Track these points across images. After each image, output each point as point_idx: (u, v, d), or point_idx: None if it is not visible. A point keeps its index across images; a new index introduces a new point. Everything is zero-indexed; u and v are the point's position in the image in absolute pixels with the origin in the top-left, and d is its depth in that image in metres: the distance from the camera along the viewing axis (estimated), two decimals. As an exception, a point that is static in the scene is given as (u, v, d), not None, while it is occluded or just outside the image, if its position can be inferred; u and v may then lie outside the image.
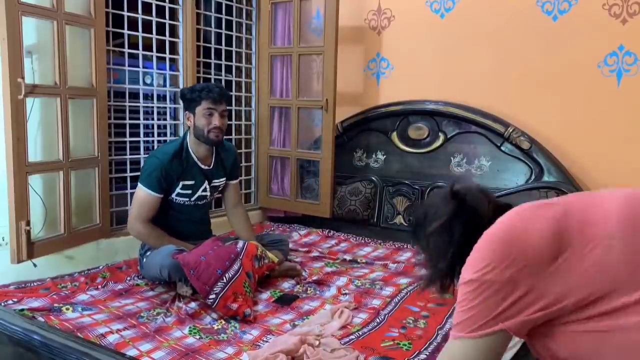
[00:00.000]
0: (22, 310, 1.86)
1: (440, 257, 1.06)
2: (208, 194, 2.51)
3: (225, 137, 3.36)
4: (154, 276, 2.28)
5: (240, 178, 2.75)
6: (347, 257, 2.83)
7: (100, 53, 2.58)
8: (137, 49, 2.87)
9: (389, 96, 3.42)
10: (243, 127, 3.63)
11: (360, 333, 1.86)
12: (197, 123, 2.38)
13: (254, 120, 3.63)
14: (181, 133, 2.98)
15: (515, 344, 1.56)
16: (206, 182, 2.48)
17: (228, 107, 3.43)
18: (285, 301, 2.18)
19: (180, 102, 2.62)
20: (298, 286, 2.36)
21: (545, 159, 2.89)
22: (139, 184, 2.38)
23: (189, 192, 2.44)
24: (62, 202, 2.44)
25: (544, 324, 0.90)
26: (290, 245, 2.81)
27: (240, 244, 2.31)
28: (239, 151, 3.51)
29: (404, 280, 2.45)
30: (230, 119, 3.51)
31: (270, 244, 2.53)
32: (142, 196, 2.36)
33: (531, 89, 2.97)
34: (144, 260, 2.34)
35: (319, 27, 3.38)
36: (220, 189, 2.60)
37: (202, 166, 2.46)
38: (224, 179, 2.58)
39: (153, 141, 3.07)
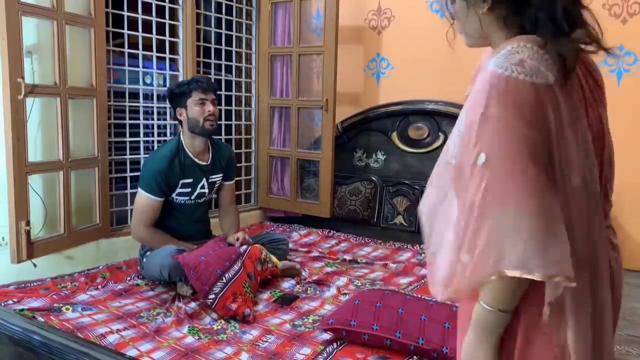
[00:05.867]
0: (22, 310, 1.86)
1: None
2: (206, 190, 2.51)
3: (225, 137, 3.40)
4: (154, 276, 2.28)
5: (235, 180, 2.76)
6: (347, 257, 2.83)
7: (100, 53, 2.58)
8: (137, 49, 2.87)
9: (389, 96, 3.42)
10: (243, 127, 3.63)
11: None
12: (190, 115, 2.40)
13: (254, 120, 3.63)
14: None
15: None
16: (204, 178, 2.48)
17: (228, 107, 3.47)
18: (285, 301, 2.18)
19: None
20: (298, 286, 2.36)
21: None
22: (139, 189, 2.38)
23: (189, 190, 2.45)
24: (62, 202, 2.44)
25: None
26: (290, 245, 2.81)
27: (244, 245, 2.32)
28: (239, 151, 3.52)
29: (404, 280, 2.45)
30: (230, 119, 3.52)
31: (269, 244, 2.54)
32: (143, 201, 2.36)
33: (531, 89, 2.97)
34: (144, 260, 2.35)
35: (319, 27, 3.38)
36: (217, 185, 2.60)
37: (200, 162, 2.47)
38: (221, 175, 2.59)
39: (153, 141, 3.07)
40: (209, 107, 2.40)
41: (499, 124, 0.90)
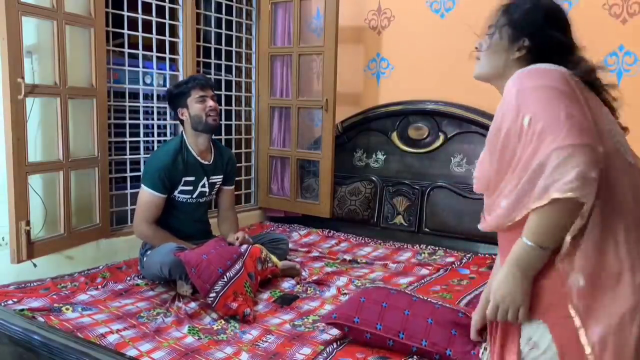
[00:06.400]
0: (22, 310, 1.86)
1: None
2: (207, 190, 2.52)
3: (225, 137, 3.41)
4: (154, 274, 2.28)
5: (234, 185, 2.76)
6: (347, 257, 2.83)
7: (100, 53, 2.58)
8: (137, 49, 2.87)
9: (389, 96, 3.42)
10: (243, 127, 3.63)
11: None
12: (192, 113, 2.41)
13: (254, 120, 3.63)
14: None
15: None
16: (205, 177, 2.49)
17: (228, 107, 3.47)
18: (285, 301, 2.18)
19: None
20: (298, 286, 2.36)
21: (545, 158, 2.89)
22: (142, 186, 2.38)
23: (191, 188, 2.45)
24: (62, 202, 2.44)
25: None
26: (290, 245, 2.81)
27: (244, 245, 2.33)
28: (239, 151, 3.53)
29: (403, 280, 2.45)
30: (230, 119, 3.52)
31: (269, 243, 2.54)
32: (146, 197, 2.37)
33: (531, 89, 2.97)
34: (145, 259, 2.35)
35: (319, 27, 3.38)
36: (217, 187, 2.60)
37: (202, 161, 2.48)
38: (221, 176, 2.59)
39: (153, 141, 3.08)
40: (210, 103, 2.42)
41: (535, 90, 1.10)
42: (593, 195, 1.00)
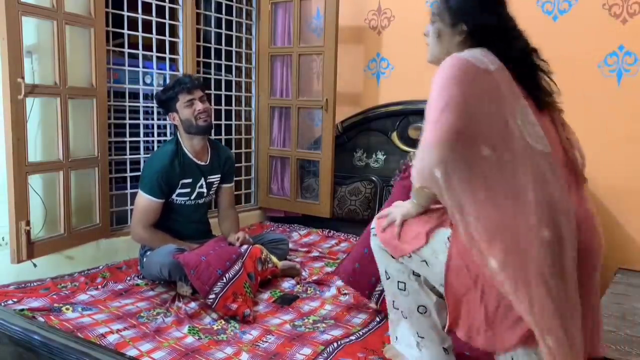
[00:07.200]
0: (22, 310, 1.86)
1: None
2: (205, 190, 2.52)
3: (225, 137, 3.40)
4: (154, 275, 2.28)
5: (234, 183, 2.76)
6: (347, 257, 2.82)
7: (100, 53, 2.58)
8: (137, 49, 2.87)
9: (389, 96, 3.42)
10: (243, 127, 3.63)
11: (360, 334, 1.87)
12: (182, 117, 2.41)
13: (254, 120, 3.63)
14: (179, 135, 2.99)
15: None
16: (202, 178, 2.49)
17: (228, 107, 3.47)
18: (285, 301, 2.18)
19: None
20: (298, 286, 2.36)
21: (545, 159, 2.89)
22: (140, 191, 2.39)
23: (188, 190, 2.45)
24: (62, 202, 2.44)
25: None
26: (290, 245, 2.81)
27: (245, 245, 2.33)
28: (239, 151, 3.52)
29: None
30: (230, 119, 3.52)
31: (269, 243, 2.54)
32: (144, 202, 2.37)
33: (531, 89, 2.96)
34: (144, 259, 2.35)
35: (319, 27, 3.38)
36: (215, 186, 2.60)
37: (199, 162, 2.48)
38: (219, 176, 2.59)
39: (153, 141, 3.07)
40: (198, 106, 2.40)
41: (436, 85, 1.28)
42: (440, 186, 1.21)
